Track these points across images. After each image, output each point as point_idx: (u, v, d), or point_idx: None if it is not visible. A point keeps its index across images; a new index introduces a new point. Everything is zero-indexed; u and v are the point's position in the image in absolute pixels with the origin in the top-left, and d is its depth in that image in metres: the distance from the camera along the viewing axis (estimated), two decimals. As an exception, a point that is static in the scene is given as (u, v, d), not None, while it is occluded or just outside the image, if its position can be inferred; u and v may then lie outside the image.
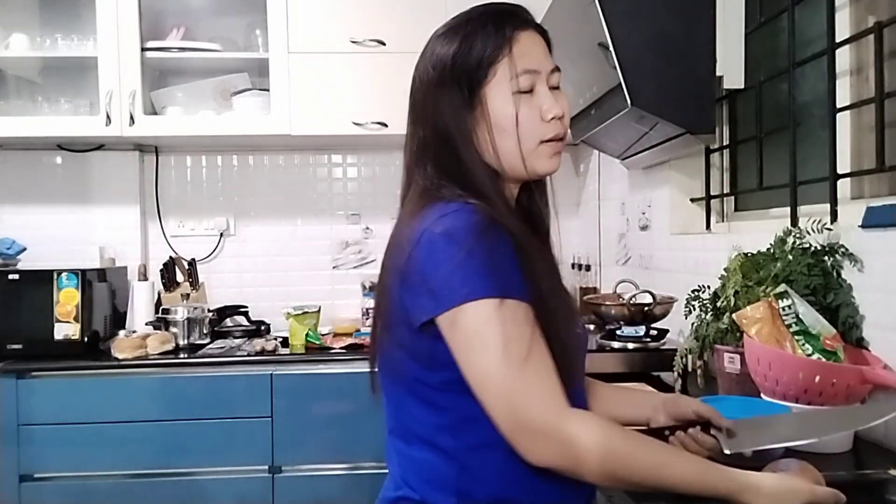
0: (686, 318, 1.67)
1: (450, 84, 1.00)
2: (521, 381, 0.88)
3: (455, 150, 1.00)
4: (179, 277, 2.85)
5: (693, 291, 1.63)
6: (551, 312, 0.94)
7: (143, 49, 2.61)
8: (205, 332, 2.63)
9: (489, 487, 0.95)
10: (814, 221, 1.43)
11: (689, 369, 1.59)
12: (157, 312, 2.65)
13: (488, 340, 0.88)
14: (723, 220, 2.15)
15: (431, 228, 0.92)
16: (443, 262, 0.90)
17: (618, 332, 2.08)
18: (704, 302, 1.58)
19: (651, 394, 1.15)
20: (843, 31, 1.54)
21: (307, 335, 2.53)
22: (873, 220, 1.29)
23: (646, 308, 2.03)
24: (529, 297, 0.92)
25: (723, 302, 1.47)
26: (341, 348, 2.49)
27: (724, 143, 2.09)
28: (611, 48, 1.68)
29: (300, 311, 2.55)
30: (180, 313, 2.57)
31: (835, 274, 1.37)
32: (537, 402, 0.88)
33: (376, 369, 1.06)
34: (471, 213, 0.93)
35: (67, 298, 2.43)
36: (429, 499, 0.97)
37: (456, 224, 0.92)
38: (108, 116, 2.56)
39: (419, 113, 1.04)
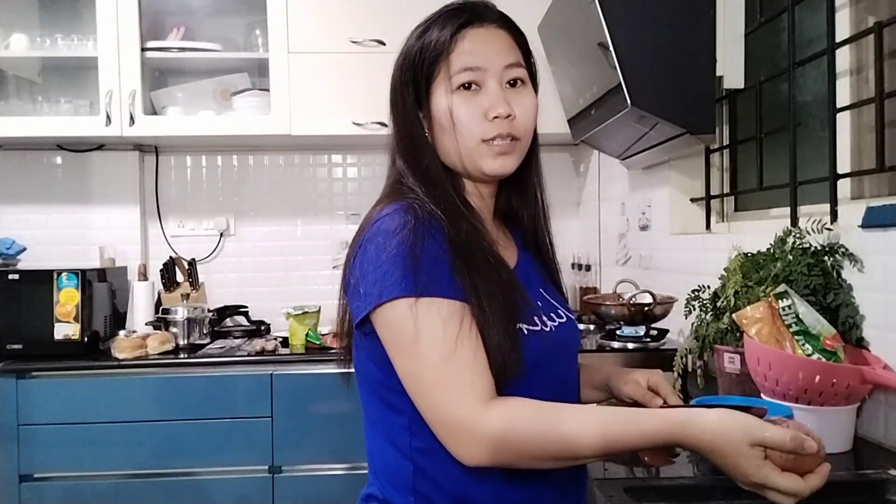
0: (686, 318, 1.67)
1: (403, 81, 1.04)
2: (435, 379, 0.87)
3: (412, 146, 1.03)
4: (179, 277, 2.85)
5: (693, 291, 1.62)
6: (485, 312, 0.91)
7: (143, 49, 2.61)
8: (205, 332, 2.62)
9: (445, 488, 0.95)
10: (814, 221, 1.43)
11: (689, 369, 1.59)
12: (157, 312, 2.65)
13: (405, 339, 0.89)
14: (723, 220, 2.15)
15: (370, 229, 0.95)
16: (370, 263, 0.92)
17: (618, 332, 2.08)
18: (704, 302, 1.58)
19: (597, 367, 1.12)
20: (843, 31, 1.54)
21: (307, 335, 2.53)
22: (873, 220, 1.29)
23: (646, 308, 2.03)
24: (461, 295, 0.90)
25: (723, 302, 1.47)
26: (341, 348, 2.48)
27: (724, 143, 2.09)
28: (611, 48, 1.68)
29: (300, 311, 2.55)
30: (180, 313, 2.57)
31: (835, 274, 1.37)
32: (456, 401, 0.86)
33: (352, 370, 1.07)
34: (401, 212, 0.93)
35: (67, 298, 2.43)
36: (391, 498, 0.98)
37: (386, 225, 0.93)
38: (108, 116, 2.56)
39: (390, 108, 1.08)
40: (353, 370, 1.08)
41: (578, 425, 0.84)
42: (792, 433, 0.77)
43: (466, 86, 0.98)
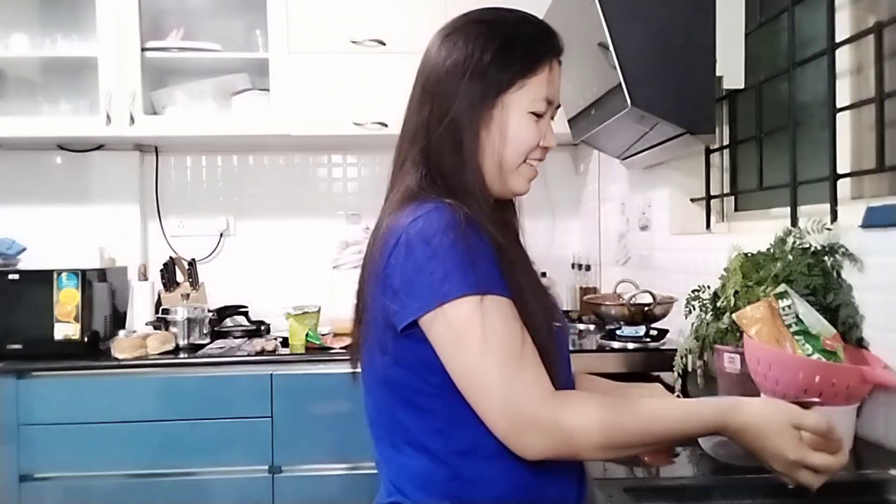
0: (686, 318, 1.67)
1: (478, 76, 0.99)
2: (509, 376, 0.88)
3: (458, 141, 0.99)
4: (179, 277, 2.85)
5: (693, 291, 1.62)
6: (530, 309, 0.94)
7: (143, 49, 2.61)
8: (205, 332, 2.62)
9: (481, 491, 0.95)
10: (814, 221, 1.42)
11: (689, 369, 1.59)
12: (157, 312, 2.65)
13: (473, 337, 0.88)
14: (723, 220, 2.15)
15: (407, 230, 0.92)
16: (420, 263, 0.90)
17: (618, 332, 2.08)
18: (704, 302, 1.58)
19: (610, 383, 1.18)
20: (843, 31, 1.54)
21: (307, 335, 2.52)
22: (873, 220, 1.29)
23: (646, 308, 2.03)
24: (509, 293, 0.92)
25: (723, 302, 1.47)
26: (341, 348, 2.48)
27: (724, 143, 2.09)
28: (611, 48, 1.68)
29: (300, 311, 2.55)
30: (180, 313, 2.57)
31: (835, 274, 1.37)
32: (528, 395, 0.88)
33: (359, 370, 1.06)
34: (446, 211, 0.93)
35: (67, 298, 2.43)
36: None
37: (432, 224, 0.92)
38: (108, 116, 2.56)
39: (432, 92, 1.01)
40: (357, 370, 1.07)
41: (643, 416, 0.90)
42: (826, 419, 0.87)
43: (541, 114, 1.02)
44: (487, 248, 0.92)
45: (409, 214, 0.94)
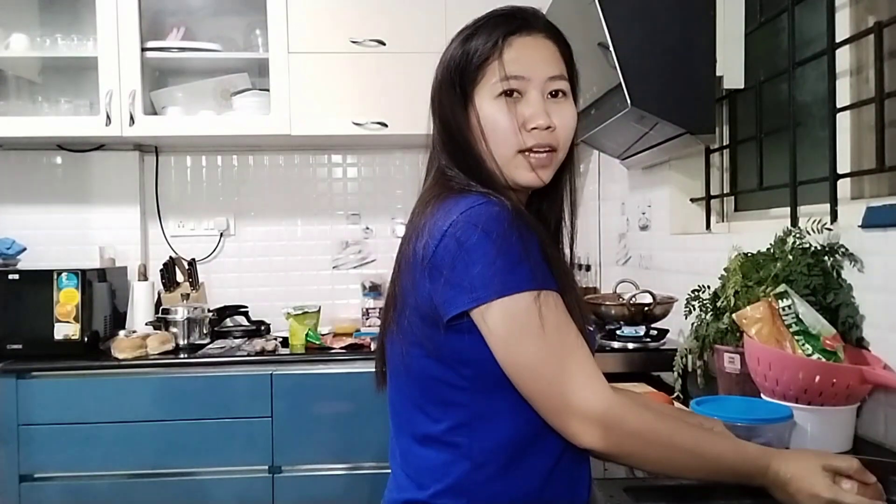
0: (686, 318, 1.67)
1: (448, 82, 1.02)
2: (569, 368, 0.90)
3: (460, 146, 1.01)
4: (179, 277, 2.85)
5: (693, 291, 1.62)
6: (571, 305, 0.95)
7: (143, 49, 2.61)
8: (205, 332, 2.63)
9: (501, 486, 0.95)
10: (814, 221, 1.42)
11: (689, 369, 1.59)
12: (157, 312, 2.65)
13: (533, 330, 0.89)
14: (723, 220, 2.15)
15: (458, 220, 0.91)
16: (475, 255, 0.89)
17: (618, 332, 2.08)
18: (704, 302, 1.58)
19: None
20: (843, 31, 1.54)
21: (307, 335, 2.53)
22: (873, 220, 1.29)
23: (646, 308, 2.03)
24: (557, 287, 0.94)
25: (723, 302, 1.47)
26: (341, 348, 2.49)
27: (724, 143, 2.09)
28: (611, 48, 1.68)
29: (300, 311, 2.55)
30: (180, 313, 2.57)
31: (835, 274, 1.37)
32: (587, 386, 0.90)
33: (384, 368, 1.05)
34: (497, 205, 0.93)
35: (67, 298, 2.43)
36: (439, 499, 0.96)
37: (485, 217, 0.91)
38: (108, 116, 2.56)
39: (432, 107, 1.05)
40: (356, 371, 1.07)
41: (704, 436, 0.94)
42: (857, 462, 0.91)
43: (508, 93, 0.98)
44: (537, 243, 0.93)
45: (457, 207, 0.93)
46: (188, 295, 2.79)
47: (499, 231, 0.90)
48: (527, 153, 0.98)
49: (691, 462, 0.92)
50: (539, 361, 0.90)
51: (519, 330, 0.90)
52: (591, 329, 1.04)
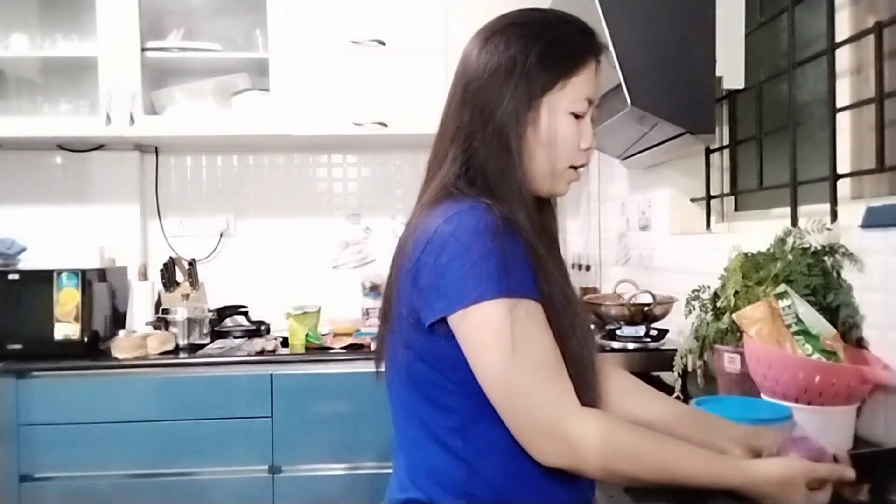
0: (686, 318, 1.67)
1: (519, 78, 0.98)
2: (531, 382, 0.88)
3: (505, 144, 0.98)
4: (179, 277, 2.85)
5: (693, 291, 1.62)
6: (560, 315, 0.94)
7: (143, 49, 2.61)
8: (205, 332, 2.62)
9: (497, 489, 0.95)
10: (814, 221, 1.43)
11: (689, 369, 1.59)
12: (157, 312, 2.65)
13: (501, 340, 0.88)
14: (723, 220, 2.15)
15: (442, 227, 0.92)
16: (455, 261, 0.90)
17: (618, 332, 2.08)
18: (704, 302, 1.58)
19: (724, 422, 1.09)
20: (843, 31, 1.54)
21: (307, 335, 2.53)
22: (873, 220, 1.29)
23: (646, 308, 2.03)
24: (541, 298, 0.92)
25: (723, 302, 1.47)
26: (341, 348, 2.49)
27: (724, 143, 2.09)
28: (611, 48, 1.68)
29: (300, 311, 2.55)
30: (180, 313, 2.57)
31: (835, 274, 1.37)
32: (546, 402, 0.88)
33: (382, 369, 1.05)
34: (483, 211, 0.92)
35: (67, 298, 2.43)
36: (437, 500, 0.97)
37: (467, 223, 0.91)
38: (108, 116, 2.56)
39: (474, 96, 1.00)
40: (356, 371, 1.07)
41: (679, 453, 0.90)
42: (835, 468, 0.93)
43: (581, 114, 1.02)
44: (523, 250, 0.92)
45: (444, 212, 0.94)
46: (188, 295, 2.79)
47: (477, 238, 0.90)
48: (575, 169, 1.04)
49: (662, 480, 0.90)
50: (505, 372, 0.88)
51: (488, 340, 0.89)
52: (588, 336, 1.03)
